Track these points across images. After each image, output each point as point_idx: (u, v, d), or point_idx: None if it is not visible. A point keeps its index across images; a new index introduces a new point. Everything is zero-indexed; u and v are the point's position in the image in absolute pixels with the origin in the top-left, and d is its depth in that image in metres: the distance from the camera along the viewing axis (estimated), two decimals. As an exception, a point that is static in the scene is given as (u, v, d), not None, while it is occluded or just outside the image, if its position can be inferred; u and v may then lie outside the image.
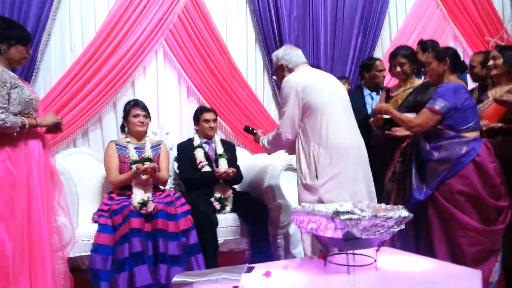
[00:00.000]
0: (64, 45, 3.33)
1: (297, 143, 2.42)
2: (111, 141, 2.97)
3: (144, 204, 2.57)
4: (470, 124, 2.36)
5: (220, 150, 3.13)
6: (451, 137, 2.35)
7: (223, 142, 3.25)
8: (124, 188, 2.78)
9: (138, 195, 2.63)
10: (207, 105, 3.54)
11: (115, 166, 2.83)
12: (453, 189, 2.31)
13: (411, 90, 2.84)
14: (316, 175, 2.32)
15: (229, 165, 3.04)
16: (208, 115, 3.15)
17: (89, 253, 2.50)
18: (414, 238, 2.49)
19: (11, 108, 2.04)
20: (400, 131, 2.56)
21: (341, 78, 3.89)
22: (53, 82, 3.25)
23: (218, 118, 3.40)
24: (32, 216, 2.06)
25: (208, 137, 3.16)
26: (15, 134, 2.05)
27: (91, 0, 3.38)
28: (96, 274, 2.41)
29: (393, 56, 2.89)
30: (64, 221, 2.33)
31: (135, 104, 2.95)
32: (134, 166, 2.76)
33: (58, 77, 3.25)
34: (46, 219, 2.12)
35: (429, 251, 2.30)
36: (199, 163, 3.02)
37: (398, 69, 2.83)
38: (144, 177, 2.73)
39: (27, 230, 2.04)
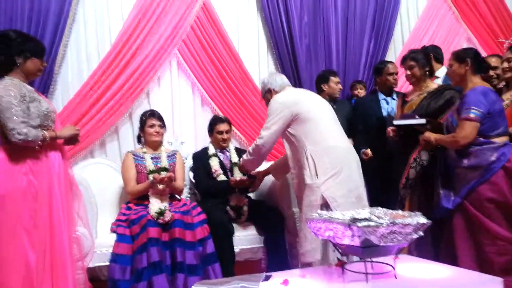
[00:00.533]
0: (81, 57, 3.40)
1: (292, 151, 2.54)
2: (128, 151, 3.01)
3: (161, 213, 2.60)
4: (499, 129, 2.33)
5: (235, 158, 3.14)
6: (481, 143, 2.31)
7: (238, 150, 3.26)
8: (142, 198, 2.82)
9: (155, 205, 2.66)
10: (221, 114, 3.57)
11: (133, 176, 2.87)
12: (483, 197, 2.27)
13: (425, 94, 2.81)
14: (316, 174, 2.40)
15: (244, 174, 3.05)
16: (222, 127, 3.16)
17: (108, 263, 2.53)
18: (431, 247, 2.46)
19: (30, 122, 2.06)
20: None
21: (358, 82, 3.90)
22: (71, 94, 3.31)
23: (233, 127, 3.42)
24: (54, 227, 2.09)
25: (222, 148, 3.18)
26: (37, 148, 2.08)
27: (105, 13, 3.45)
28: (115, 284, 2.44)
29: (403, 59, 2.88)
30: (84, 232, 2.36)
31: (150, 114, 2.99)
32: (151, 176, 2.80)
33: (75, 89, 3.32)
34: (67, 229, 2.15)
35: (450, 260, 2.26)
36: (214, 172, 3.04)
37: (408, 72, 2.81)
38: (160, 187, 2.76)
39: (49, 241, 2.07)
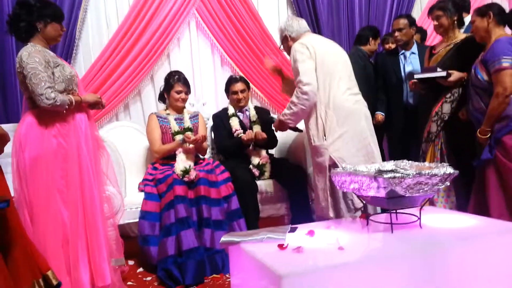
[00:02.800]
0: (100, 21, 3.39)
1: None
2: (152, 113, 3.05)
3: (186, 171, 2.66)
4: None
5: (254, 117, 3.15)
6: None
7: (257, 109, 3.26)
8: (167, 158, 2.88)
9: (180, 164, 2.72)
10: (240, 73, 3.54)
11: (158, 137, 2.92)
12: (508, 146, 2.25)
13: (452, 46, 2.72)
14: (324, 136, 2.38)
15: (264, 131, 3.06)
16: (236, 86, 3.13)
17: (137, 220, 2.63)
18: (455, 197, 2.45)
19: (56, 87, 2.10)
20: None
21: (390, 35, 3.78)
22: (93, 59, 3.34)
23: (252, 86, 3.39)
24: (84, 186, 2.17)
25: (240, 107, 3.18)
26: (64, 112, 2.13)
27: (123, -26, 3.41)
28: (145, 239, 2.54)
29: (430, 9, 2.77)
30: (113, 191, 2.45)
31: (178, 79, 2.97)
32: (178, 136, 2.85)
33: (96, 53, 3.34)
34: (97, 188, 2.23)
35: (480, 210, 2.27)
36: (235, 131, 3.07)
37: (435, 22, 2.70)
38: (190, 146, 2.82)
39: (81, 200, 2.15)
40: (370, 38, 3.55)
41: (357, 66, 3.42)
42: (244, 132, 3.07)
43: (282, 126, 2.59)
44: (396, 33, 3.22)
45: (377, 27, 3.75)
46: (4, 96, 3.09)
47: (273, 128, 2.74)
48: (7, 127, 2.80)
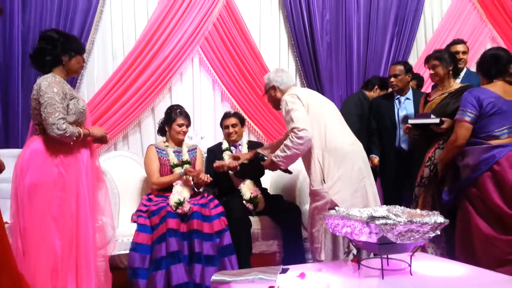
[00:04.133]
0: (106, 53, 3.50)
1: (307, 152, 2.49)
2: (151, 144, 3.09)
3: (180, 203, 2.67)
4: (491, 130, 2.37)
5: (245, 151, 3.19)
6: (472, 143, 2.40)
7: (251, 143, 3.30)
8: (163, 190, 2.90)
9: (175, 195, 2.74)
10: (240, 109, 3.61)
11: (156, 168, 2.95)
12: (471, 194, 2.36)
13: (446, 94, 2.80)
14: (323, 179, 2.40)
15: (252, 165, 3.04)
16: (228, 121, 3.19)
17: (128, 252, 2.60)
18: (446, 244, 2.47)
19: (67, 118, 2.17)
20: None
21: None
22: (96, 88, 3.42)
23: (250, 121, 3.45)
24: (80, 217, 2.19)
25: (232, 142, 3.22)
26: (71, 143, 2.19)
27: (131, 10, 3.54)
28: (135, 271, 2.51)
29: (427, 58, 2.88)
30: (107, 221, 2.45)
31: (180, 113, 3.03)
32: (178, 169, 2.90)
33: (100, 84, 3.42)
34: (92, 219, 2.25)
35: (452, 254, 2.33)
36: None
37: (432, 71, 2.80)
38: (189, 179, 2.87)
39: (75, 230, 2.17)
40: (376, 87, 3.68)
41: (356, 108, 3.52)
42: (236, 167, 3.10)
43: (273, 167, 2.59)
44: (392, 79, 3.32)
45: (386, 79, 3.84)
46: (6, 122, 3.15)
47: (265, 167, 2.71)
48: (7, 152, 2.86)
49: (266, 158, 2.63)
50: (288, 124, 2.46)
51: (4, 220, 2.12)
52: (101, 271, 2.34)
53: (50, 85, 2.13)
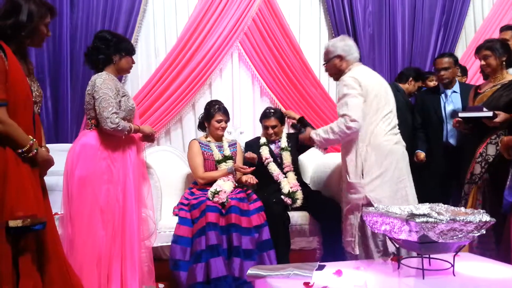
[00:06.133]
0: (149, 51, 3.59)
1: (350, 141, 2.43)
2: (194, 139, 3.15)
3: (216, 192, 2.73)
4: None
5: (284, 144, 3.18)
6: None
7: (290, 135, 3.28)
8: (206, 184, 2.95)
9: (214, 186, 2.80)
10: (279, 105, 3.60)
11: (201, 162, 3.01)
12: None
13: (498, 86, 2.64)
14: (362, 174, 2.34)
15: (294, 156, 3.12)
16: (268, 122, 3.18)
17: (169, 244, 2.68)
18: (495, 244, 2.33)
19: (119, 114, 2.29)
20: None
21: (433, 73, 3.74)
22: (140, 85, 3.53)
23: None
24: (126, 209, 2.30)
25: (271, 140, 3.22)
26: (123, 137, 2.32)
27: (173, 8, 3.61)
28: (176, 263, 2.59)
29: (478, 49, 2.73)
30: (150, 214, 2.54)
31: (219, 109, 3.07)
32: (225, 165, 2.98)
33: (144, 81, 3.53)
34: (137, 212, 2.36)
35: (506, 258, 2.14)
36: (265, 160, 3.11)
37: (483, 62, 2.66)
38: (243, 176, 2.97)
39: (121, 221, 2.27)
40: (411, 78, 3.53)
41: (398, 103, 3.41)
42: (274, 161, 3.10)
43: (309, 142, 2.58)
44: (442, 72, 3.18)
45: (421, 70, 3.70)
46: (57, 119, 3.32)
47: (300, 138, 2.70)
48: (58, 147, 3.02)
49: (304, 131, 2.59)
50: (340, 106, 2.40)
51: (55, 212, 2.27)
52: (144, 262, 2.43)
53: (104, 81, 2.26)
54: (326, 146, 2.48)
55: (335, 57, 2.53)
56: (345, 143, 2.47)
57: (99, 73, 2.33)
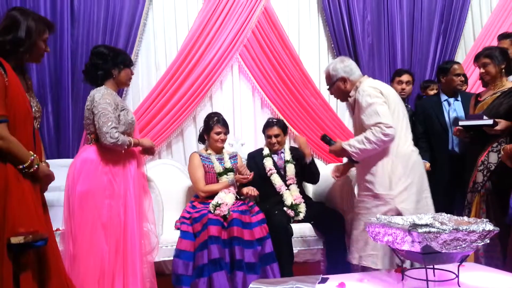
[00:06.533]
0: (150, 64, 3.61)
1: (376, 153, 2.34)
2: (195, 152, 3.16)
3: (218, 205, 2.72)
4: None
5: (288, 157, 3.18)
6: None
7: (293, 149, 3.28)
8: (207, 197, 2.95)
9: (216, 199, 2.80)
10: (280, 116, 3.61)
11: (202, 176, 3.01)
12: None
13: (499, 94, 2.64)
14: (390, 185, 2.29)
15: (298, 170, 3.09)
16: (271, 131, 3.18)
17: (171, 258, 2.66)
18: (501, 254, 2.30)
19: (118, 128, 2.30)
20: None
21: (432, 82, 3.75)
22: (141, 99, 3.54)
23: (291, 127, 3.43)
24: (127, 223, 2.30)
25: (274, 151, 3.21)
26: (122, 152, 2.31)
27: (172, 22, 3.63)
28: (178, 278, 2.57)
29: (477, 56, 2.73)
30: (151, 228, 2.52)
31: (217, 121, 3.08)
32: (226, 177, 2.97)
33: (145, 94, 3.54)
34: (138, 226, 2.35)
35: None
36: (269, 171, 3.10)
37: (482, 70, 2.66)
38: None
39: (123, 236, 2.26)
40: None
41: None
42: (278, 172, 3.09)
43: (340, 153, 2.46)
44: (461, 77, 3.21)
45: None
46: (58, 134, 3.33)
47: (330, 151, 2.56)
48: (59, 162, 3.02)
49: (333, 142, 2.50)
50: (369, 116, 2.29)
51: (57, 227, 2.26)
52: (147, 277, 2.41)
53: (103, 96, 2.27)
54: (362, 157, 2.36)
55: (338, 80, 2.48)
56: (371, 156, 2.37)
57: (98, 88, 2.34)
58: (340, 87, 2.49)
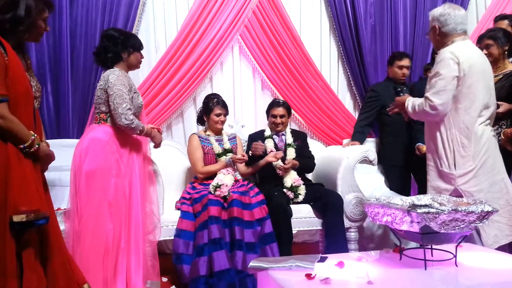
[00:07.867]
0: (150, 45, 3.57)
1: (438, 125, 2.25)
2: (194, 133, 3.15)
3: (218, 186, 2.74)
4: None
5: (289, 140, 3.18)
6: None
7: (294, 132, 3.29)
8: (207, 178, 2.96)
9: (215, 180, 2.81)
10: (281, 98, 3.60)
11: (200, 157, 3.02)
12: None
13: (501, 76, 2.63)
14: (454, 164, 2.19)
15: (299, 154, 3.10)
16: (276, 111, 3.18)
17: (172, 238, 2.69)
18: None
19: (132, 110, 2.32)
20: None
21: (430, 64, 3.70)
22: (141, 79, 3.51)
23: (292, 111, 3.42)
24: (132, 204, 2.34)
25: (276, 131, 3.21)
26: (134, 136, 2.36)
27: (172, 1, 3.58)
28: (179, 257, 2.60)
29: (480, 38, 2.71)
30: (153, 208, 2.56)
31: (217, 102, 3.07)
32: (224, 158, 2.98)
33: (144, 75, 3.51)
34: (142, 206, 2.39)
35: None
36: (269, 152, 3.10)
37: (485, 51, 2.62)
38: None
39: (127, 214, 2.30)
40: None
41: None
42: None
43: (401, 108, 2.41)
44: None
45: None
46: (58, 114, 3.32)
47: (392, 105, 2.50)
48: (59, 142, 3.03)
49: (402, 94, 2.45)
50: (428, 86, 2.24)
51: (57, 206, 2.28)
52: (149, 256, 2.45)
53: (118, 78, 2.30)
54: (411, 118, 2.39)
55: (432, 28, 2.30)
56: (433, 126, 2.29)
57: (112, 69, 2.36)
58: (431, 36, 2.34)
